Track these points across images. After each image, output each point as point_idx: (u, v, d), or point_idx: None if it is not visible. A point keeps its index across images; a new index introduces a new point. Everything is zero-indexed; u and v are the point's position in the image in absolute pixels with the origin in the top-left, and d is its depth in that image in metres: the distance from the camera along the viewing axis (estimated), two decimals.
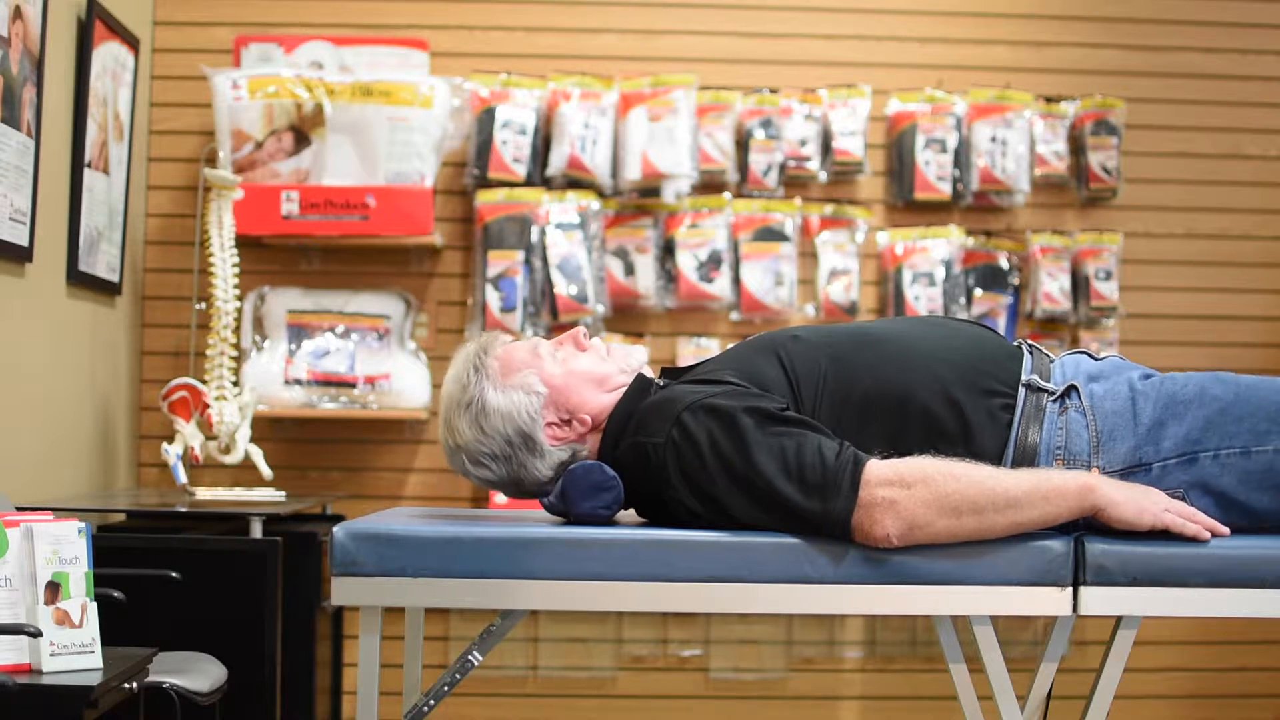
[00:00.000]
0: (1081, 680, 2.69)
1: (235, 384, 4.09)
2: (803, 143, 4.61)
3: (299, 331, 4.44)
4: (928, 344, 2.50)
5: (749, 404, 2.36)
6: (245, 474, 4.20)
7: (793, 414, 2.38)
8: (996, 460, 2.40)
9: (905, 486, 2.27)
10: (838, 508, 2.28)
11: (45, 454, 3.77)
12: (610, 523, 2.54)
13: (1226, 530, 2.36)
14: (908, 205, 4.69)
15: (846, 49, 4.72)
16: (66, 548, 2.61)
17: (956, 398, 2.42)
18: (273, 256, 4.59)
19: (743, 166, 4.61)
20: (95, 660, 2.62)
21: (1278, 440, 2.34)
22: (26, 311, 3.63)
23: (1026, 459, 2.42)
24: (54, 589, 2.59)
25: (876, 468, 2.28)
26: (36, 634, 2.55)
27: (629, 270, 4.56)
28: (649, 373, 2.62)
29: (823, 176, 4.65)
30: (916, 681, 4.64)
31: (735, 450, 2.33)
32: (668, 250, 4.58)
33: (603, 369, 2.59)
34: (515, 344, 2.60)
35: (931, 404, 2.42)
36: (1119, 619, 2.47)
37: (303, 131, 4.38)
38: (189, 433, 3.91)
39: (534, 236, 4.47)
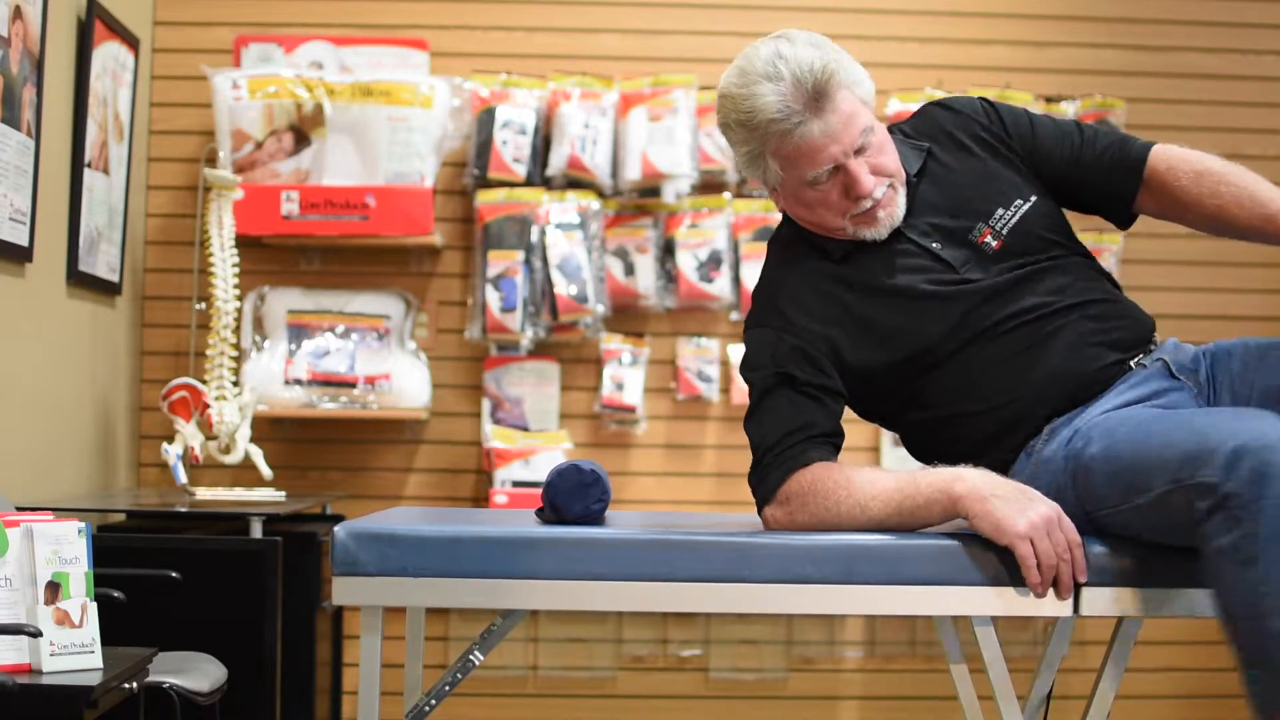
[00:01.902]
0: (1081, 680, 2.69)
1: (235, 384, 4.09)
2: None
3: (299, 331, 4.44)
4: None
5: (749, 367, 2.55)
6: (245, 474, 4.20)
7: (773, 384, 2.49)
8: None
9: (793, 509, 2.42)
10: (757, 502, 2.50)
11: (45, 454, 3.76)
12: (607, 522, 2.54)
13: (1080, 578, 2.30)
14: None
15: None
16: (66, 548, 2.62)
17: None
18: (273, 256, 4.59)
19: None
20: (95, 660, 2.62)
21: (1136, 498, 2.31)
22: (26, 311, 3.63)
23: None
24: (54, 589, 2.59)
25: (778, 490, 2.44)
26: (36, 634, 2.55)
27: (629, 270, 4.56)
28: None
29: None
30: (916, 681, 4.64)
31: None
32: (668, 250, 4.58)
33: (825, 224, 2.56)
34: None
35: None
36: (1119, 619, 2.48)
37: (303, 131, 4.38)
38: (189, 433, 3.91)
39: (534, 236, 4.47)
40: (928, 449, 2.61)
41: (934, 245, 2.53)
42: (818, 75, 2.48)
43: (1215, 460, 2.09)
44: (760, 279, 2.63)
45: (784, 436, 2.45)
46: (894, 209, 2.53)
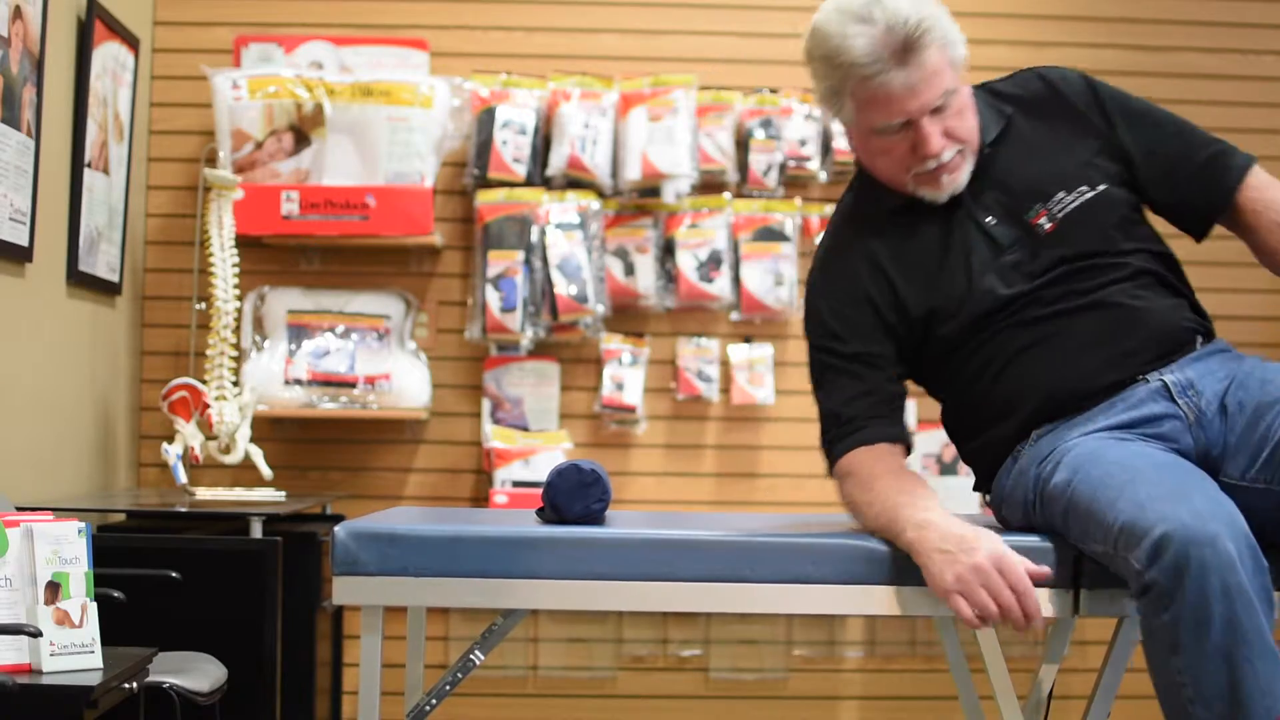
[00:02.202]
0: (1082, 680, 2.69)
1: (235, 384, 4.08)
2: (803, 143, 4.61)
3: (299, 331, 4.44)
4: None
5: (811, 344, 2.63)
6: (245, 474, 4.20)
7: (832, 361, 2.56)
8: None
9: (840, 488, 2.53)
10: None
11: (45, 454, 3.76)
12: (607, 522, 2.54)
13: (1032, 618, 2.27)
14: None
15: None
16: (66, 548, 2.62)
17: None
18: (273, 256, 4.59)
19: (743, 166, 4.61)
20: (95, 660, 2.62)
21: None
22: (26, 311, 3.63)
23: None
24: (54, 589, 2.59)
25: (834, 469, 2.54)
26: (36, 634, 2.55)
27: (629, 270, 4.56)
28: None
29: (823, 176, 4.65)
30: (916, 681, 4.64)
31: None
32: (668, 250, 4.58)
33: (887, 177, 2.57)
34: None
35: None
36: (1120, 619, 2.48)
37: (303, 131, 4.38)
38: (189, 433, 3.91)
39: (534, 236, 4.47)
40: (951, 430, 2.64)
41: (988, 220, 2.53)
42: (910, 28, 2.43)
43: (1143, 545, 2.12)
44: (820, 247, 2.66)
45: (841, 409, 2.52)
46: (959, 175, 2.51)
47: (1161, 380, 2.45)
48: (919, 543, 2.32)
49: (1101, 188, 2.53)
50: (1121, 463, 2.29)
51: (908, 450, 2.55)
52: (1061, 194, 2.52)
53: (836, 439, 2.52)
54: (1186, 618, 2.08)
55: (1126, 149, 2.57)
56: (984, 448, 2.56)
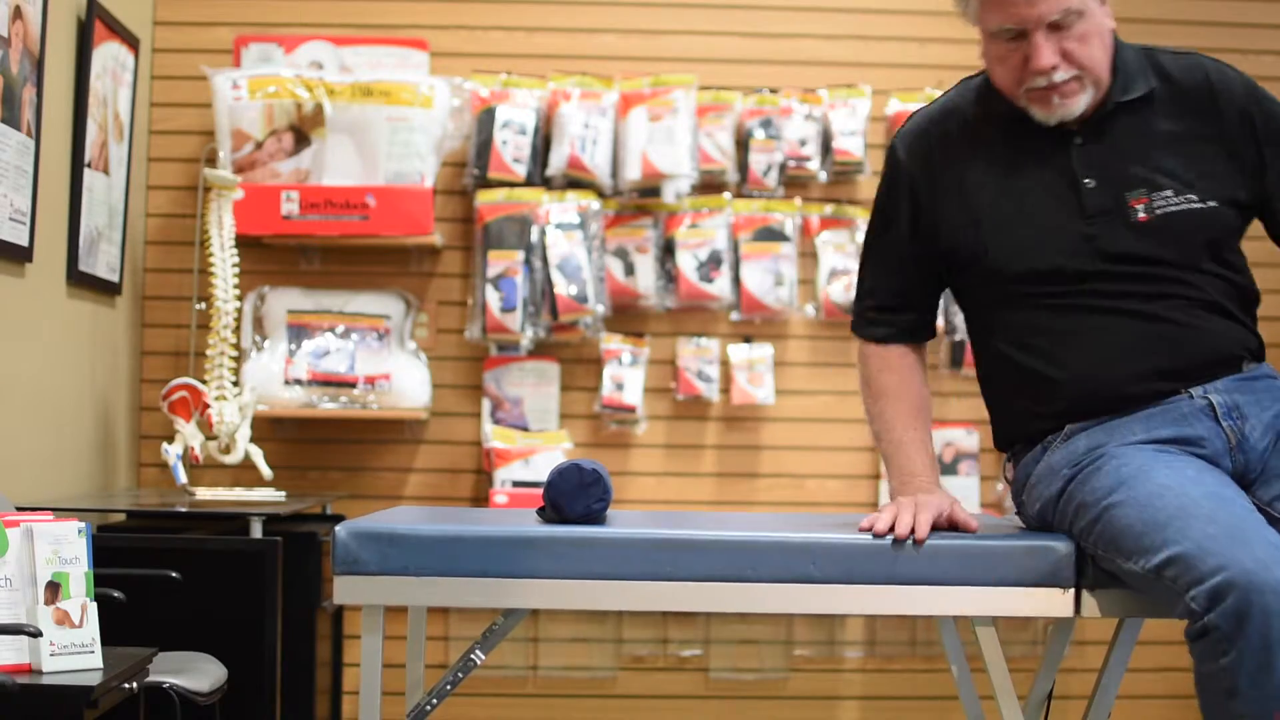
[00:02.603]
0: (1082, 680, 2.69)
1: (235, 384, 4.08)
2: (803, 143, 4.61)
3: (299, 331, 4.44)
4: None
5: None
6: (245, 474, 4.20)
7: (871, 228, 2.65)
8: None
9: (860, 373, 2.66)
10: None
11: (45, 454, 3.76)
12: (608, 522, 2.54)
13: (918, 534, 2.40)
14: None
15: (846, 49, 4.72)
16: (66, 548, 2.62)
17: None
18: (273, 256, 4.59)
19: (743, 166, 4.61)
20: (95, 660, 2.62)
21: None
22: (26, 311, 3.63)
23: None
24: (54, 589, 2.59)
25: (859, 349, 2.66)
26: (36, 634, 2.55)
27: (629, 270, 4.56)
28: None
29: (823, 176, 4.65)
30: (916, 681, 4.64)
31: None
32: (668, 250, 4.58)
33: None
34: None
35: None
36: (1120, 619, 2.48)
37: (303, 131, 4.38)
38: (189, 433, 3.91)
39: (534, 236, 4.47)
40: (981, 377, 2.63)
41: (1087, 180, 2.46)
42: None
43: (1202, 587, 2.13)
44: (923, 110, 2.65)
45: (865, 287, 2.62)
46: (1071, 102, 2.45)
47: (1207, 399, 2.42)
48: (895, 491, 2.53)
49: (1211, 204, 2.46)
50: (1172, 486, 2.27)
51: (927, 336, 2.64)
52: (1170, 192, 2.45)
53: (855, 322, 2.66)
54: (1248, 663, 2.10)
55: (1266, 178, 2.49)
56: (1011, 418, 2.56)
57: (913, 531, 2.39)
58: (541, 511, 2.61)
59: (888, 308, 2.63)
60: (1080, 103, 2.45)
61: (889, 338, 2.63)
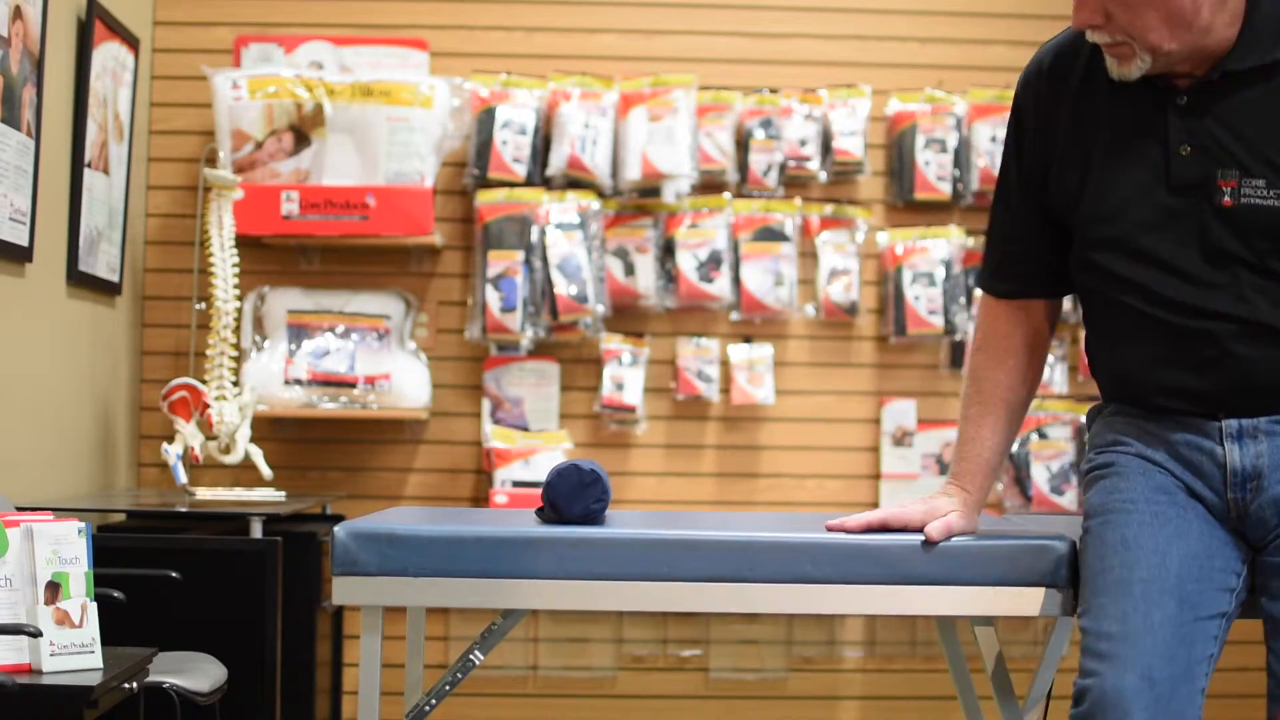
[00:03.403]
0: None
1: (235, 384, 4.09)
2: (803, 143, 4.61)
3: (299, 331, 4.44)
4: None
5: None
6: (245, 474, 4.20)
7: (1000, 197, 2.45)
8: None
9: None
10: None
11: (45, 454, 3.76)
12: (607, 522, 2.54)
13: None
14: (908, 205, 4.69)
15: (846, 49, 4.72)
16: (66, 548, 2.62)
17: None
18: (273, 256, 4.59)
19: (743, 166, 4.61)
20: (95, 660, 2.62)
21: None
22: (26, 311, 3.63)
23: None
24: (54, 589, 2.59)
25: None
26: (36, 634, 2.55)
27: (629, 270, 4.56)
28: None
29: (823, 176, 4.65)
30: (916, 681, 4.64)
31: None
32: (668, 250, 4.58)
33: None
34: None
35: None
36: None
37: (303, 131, 4.38)
38: (189, 433, 3.91)
39: (534, 236, 4.47)
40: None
41: (1184, 148, 2.23)
42: None
43: (1080, 678, 2.16)
44: (1050, 43, 2.44)
45: (988, 242, 2.47)
46: (1125, 67, 2.22)
47: (1229, 448, 2.24)
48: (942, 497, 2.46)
49: None
50: (1129, 553, 2.21)
51: (1048, 293, 2.45)
52: (1264, 181, 2.19)
53: (979, 274, 2.52)
54: None
55: None
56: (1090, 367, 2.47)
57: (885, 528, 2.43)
58: (540, 512, 2.61)
59: (1007, 256, 2.44)
60: (1134, 69, 2.22)
61: (1002, 291, 2.45)
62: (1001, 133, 4.60)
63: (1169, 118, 2.24)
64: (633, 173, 4.48)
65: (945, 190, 4.62)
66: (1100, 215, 2.29)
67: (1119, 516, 2.26)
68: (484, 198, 4.49)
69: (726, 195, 4.60)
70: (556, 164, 4.50)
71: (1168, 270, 2.24)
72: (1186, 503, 2.26)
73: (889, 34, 4.73)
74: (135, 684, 2.75)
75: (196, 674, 3.21)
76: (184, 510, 3.68)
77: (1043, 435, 4.57)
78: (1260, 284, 2.20)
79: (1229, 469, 2.23)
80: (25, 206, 3.49)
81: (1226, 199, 2.20)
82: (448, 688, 2.44)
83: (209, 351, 4.01)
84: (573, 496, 2.51)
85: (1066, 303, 2.68)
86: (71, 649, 2.59)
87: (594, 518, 2.52)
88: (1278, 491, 2.20)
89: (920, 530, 2.40)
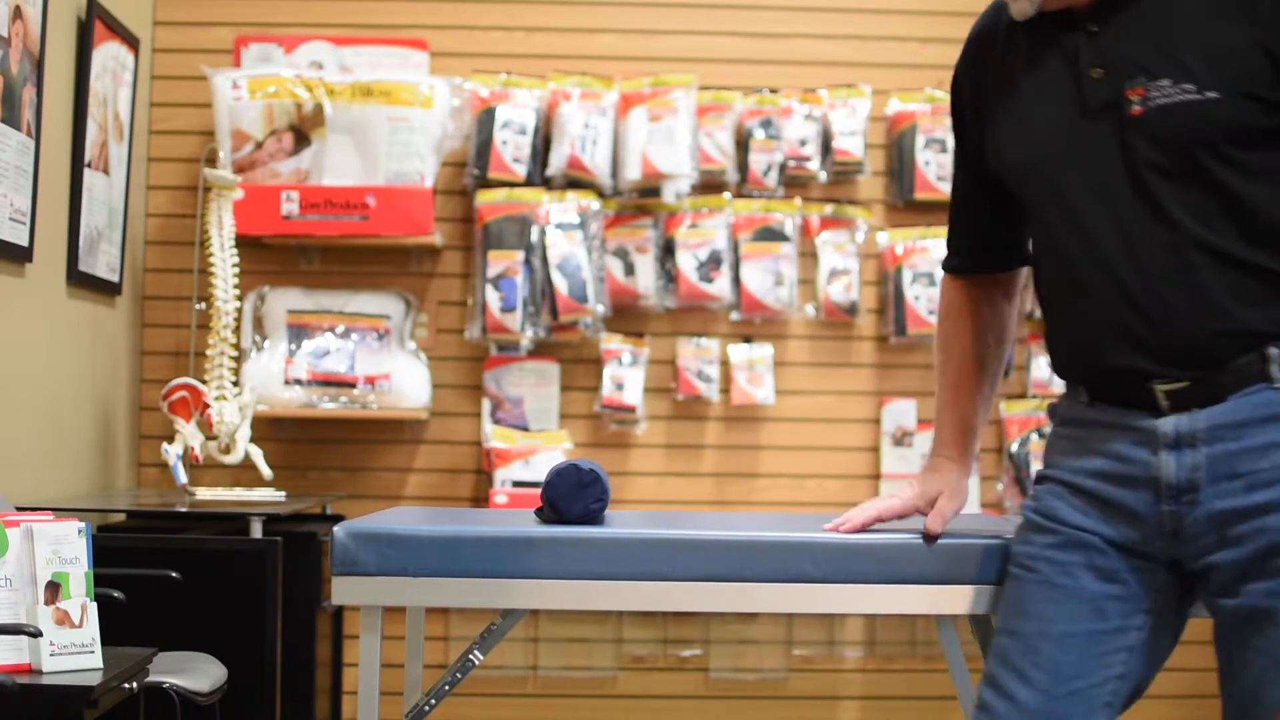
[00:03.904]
0: None
1: (235, 384, 4.09)
2: (803, 143, 4.61)
3: (299, 331, 4.44)
4: None
5: None
6: (245, 474, 4.20)
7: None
8: None
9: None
10: None
11: (45, 454, 3.76)
12: (607, 522, 2.54)
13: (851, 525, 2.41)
14: (908, 205, 4.69)
15: (846, 49, 4.72)
16: (66, 548, 2.62)
17: None
18: (273, 256, 4.59)
19: (743, 166, 4.61)
20: (95, 660, 2.62)
21: None
22: (26, 311, 3.63)
23: None
24: (54, 589, 2.59)
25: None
26: (36, 634, 2.55)
27: (629, 270, 4.56)
28: None
29: (823, 176, 4.65)
30: (916, 681, 4.64)
31: None
32: (668, 250, 4.58)
33: None
34: None
35: None
36: None
37: (303, 131, 4.38)
38: (189, 433, 3.91)
39: (534, 236, 4.47)
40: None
41: (1095, 70, 2.13)
42: None
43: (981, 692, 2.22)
44: (980, 16, 2.38)
45: (949, 225, 2.48)
46: (1015, 4, 2.18)
47: (1165, 458, 2.13)
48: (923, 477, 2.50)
49: (1213, 96, 2.04)
50: (1030, 624, 2.22)
51: (1004, 265, 2.42)
52: (1167, 81, 2.06)
53: (945, 252, 2.49)
54: None
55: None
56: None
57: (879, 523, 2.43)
58: (540, 512, 2.61)
59: (956, 231, 2.44)
60: (1028, 3, 2.17)
61: (955, 267, 2.45)
62: None
63: (1080, 45, 2.14)
64: (633, 173, 4.48)
65: (945, 190, 4.62)
66: (1022, 157, 2.23)
67: (1018, 597, 2.27)
68: (484, 198, 4.50)
69: (726, 195, 4.60)
70: (556, 164, 4.51)
71: (1093, 201, 2.13)
72: (1089, 568, 2.21)
73: (889, 34, 4.73)
74: (135, 684, 2.75)
75: (196, 674, 3.21)
76: (184, 510, 3.68)
77: (1043, 435, 4.57)
78: (1188, 200, 2.07)
79: (1163, 482, 2.12)
80: (25, 206, 3.49)
81: (1136, 108, 2.08)
82: (447, 688, 2.44)
83: (209, 351, 4.01)
84: (572, 496, 2.51)
85: None
86: (71, 649, 2.59)
87: (593, 518, 2.52)
88: (1213, 506, 2.09)
89: (913, 515, 2.43)
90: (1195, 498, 2.10)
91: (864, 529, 2.42)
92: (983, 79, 2.30)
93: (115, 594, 2.92)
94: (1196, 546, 2.12)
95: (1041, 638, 2.19)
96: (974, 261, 2.44)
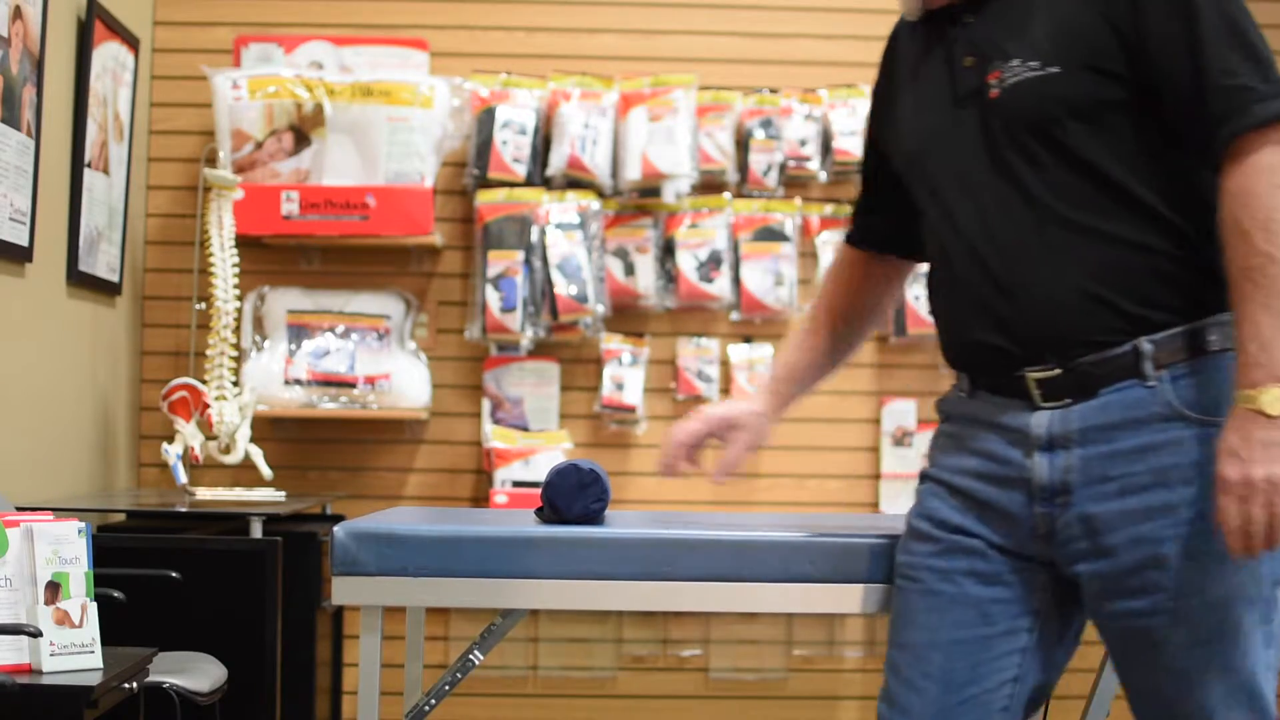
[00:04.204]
0: (1081, 680, 2.69)
1: (235, 384, 4.09)
2: (803, 143, 4.61)
3: (299, 331, 4.44)
4: None
5: None
6: (245, 474, 4.20)
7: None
8: None
9: None
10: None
11: (45, 454, 3.77)
12: (607, 522, 2.54)
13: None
14: None
15: (846, 49, 4.72)
16: (66, 548, 2.62)
17: None
18: (273, 256, 4.59)
19: (743, 166, 4.61)
20: (95, 660, 2.62)
21: None
22: (26, 311, 3.63)
23: None
24: (54, 589, 2.59)
25: None
26: (36, 634, 2.55)
27: (629, 270, 4.56)
28: None
29: (823, 176, 4.65)
30: None
31: None
32: (668, 250, 4.58)
33: None
34: None
35: None
36: None
37: (303, 131, 4.38)
38: (189, 433, 3.91)
39: (534, 236, 4.47)
40: None
41: (966, 59, 2.16)
42: None
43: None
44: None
45: (853, 203, 2.53)
46: (904, 4, 2.28)
47: (1038, 460, 2.12)
48: None
49: (1052, 69, 2.06)
50: (917, 638, 2.29)
51: (894, 249, 2.44)
52: (1017, 61, 2.09)
53: None
54: None
55: (1124, 31, 2.05)
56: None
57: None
58: (540, 512, 2.62)
59: (861, 210, 2.49)
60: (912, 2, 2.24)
61: (849, 237, 2.51)
62: None
63: (956, 37, 2.18)
64: (633, 173, 4.48)
65: None
66: (905, 150, 2.28)
67: (904, 610, 2.33)
68: (484, 198, 4.50)
69: (726, 195, 4.60)
70: (556, 164, 4.51)
71: (960, 187, 2.15)
72: (972, 574, 2.22)
73: (889, 34, 4.72)
74: (135, 684, 2.75)
75: (196, 674, 3.21)
76: (184, 510, 3.68)
77: None
78: (1054, 180, 2.07)
79: (1035, 484, 2.12)
80: (25, 206, 3.49)
81: (994, 91, 2.10)
82: (447, 688, 2.44)
83: (209, 351, 4.01)
84: (572, 496, 2.51)
85: None
86: (71, 649, 2.59)
87: (593, 518, 2.53)
88: (1086, 509, 2.08)
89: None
90: (1068, 499, 2.10)
91: (688, 458, 2.51)
92: (891, 72, 2.38)
93: (115, 594, 2.92)
94: (1069, 551, 2.12)
95: (930, 647, 2.24)
96: (868, 237, 2.49)
